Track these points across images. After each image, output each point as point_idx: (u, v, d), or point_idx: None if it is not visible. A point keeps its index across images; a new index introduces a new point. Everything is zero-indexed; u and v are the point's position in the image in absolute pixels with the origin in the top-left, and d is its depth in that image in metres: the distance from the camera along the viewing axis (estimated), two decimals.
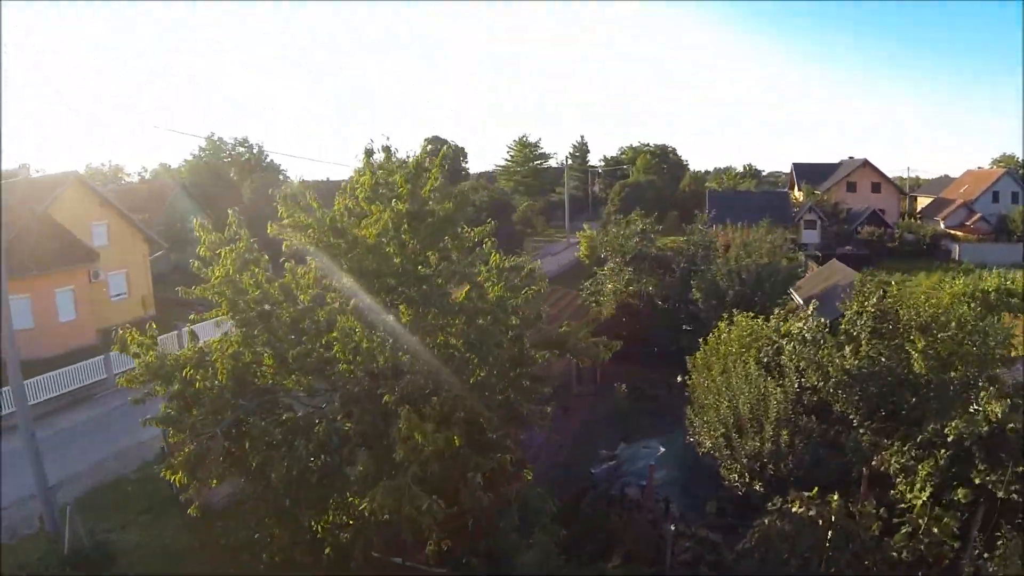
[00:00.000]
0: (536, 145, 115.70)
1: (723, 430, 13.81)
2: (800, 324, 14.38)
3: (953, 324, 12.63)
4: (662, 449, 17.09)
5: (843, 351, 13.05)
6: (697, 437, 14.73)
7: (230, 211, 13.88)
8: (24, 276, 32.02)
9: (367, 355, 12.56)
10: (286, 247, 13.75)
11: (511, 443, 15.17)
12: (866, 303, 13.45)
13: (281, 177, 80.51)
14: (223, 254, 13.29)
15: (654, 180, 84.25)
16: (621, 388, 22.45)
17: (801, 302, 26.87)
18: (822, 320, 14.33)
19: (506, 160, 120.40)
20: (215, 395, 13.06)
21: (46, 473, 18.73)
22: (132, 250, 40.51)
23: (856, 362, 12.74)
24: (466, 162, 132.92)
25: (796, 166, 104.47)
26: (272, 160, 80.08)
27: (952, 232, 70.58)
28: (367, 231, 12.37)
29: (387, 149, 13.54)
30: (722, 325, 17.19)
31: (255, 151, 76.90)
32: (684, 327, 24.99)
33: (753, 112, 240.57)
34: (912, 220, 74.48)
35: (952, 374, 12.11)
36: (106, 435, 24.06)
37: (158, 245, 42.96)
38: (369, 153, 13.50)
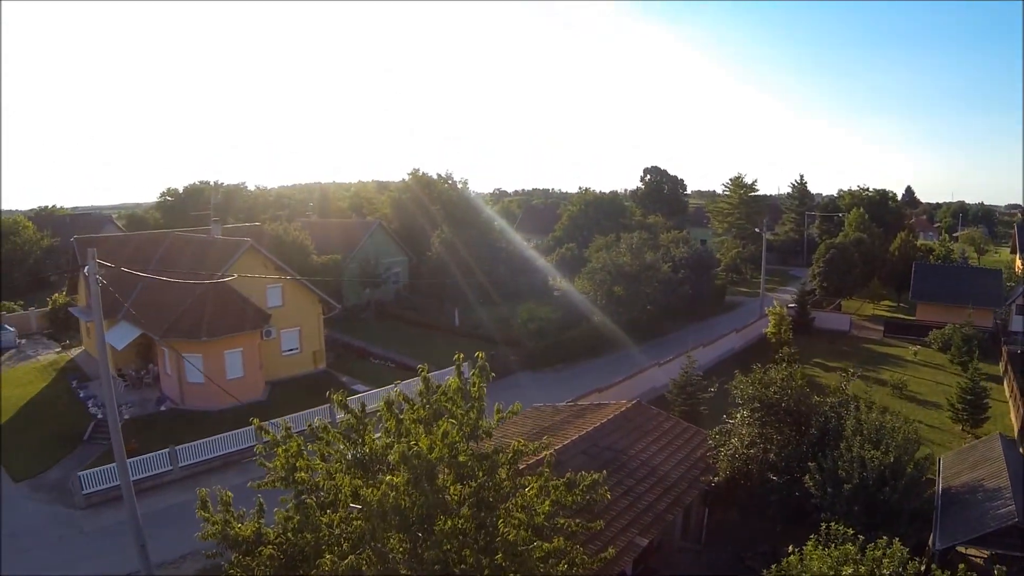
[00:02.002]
0: (752, 186, 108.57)
1: None
2: None
3: None
4: None
5: None
6: None
7: (282, 420, 15.01)
8: (198, 340, 35.32)
9: None
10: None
11: None
12: None
13: (485, 215, 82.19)
14: (279, 452, 13.99)
15: (863, 239, 75.45)
16: None
17: (940, 491, 21.04)
18: None
19: (720, 198, 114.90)
20: None
21: (181, 537, 21.73)
22: (306, 308, 43.15)
23: None
24: (685, 191, 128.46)
25: (1021, 227, 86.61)
26: (475, 196, 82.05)
27: None
28: (374, 491, 11.50)
29: (427, 380, 13.40)
30: (809, 547, 13.54)
31: (459, 186, 79.05)
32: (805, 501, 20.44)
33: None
34: None
35: None
36: (242, 506, 25.74)
37: (333, 303, 45.32)
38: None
